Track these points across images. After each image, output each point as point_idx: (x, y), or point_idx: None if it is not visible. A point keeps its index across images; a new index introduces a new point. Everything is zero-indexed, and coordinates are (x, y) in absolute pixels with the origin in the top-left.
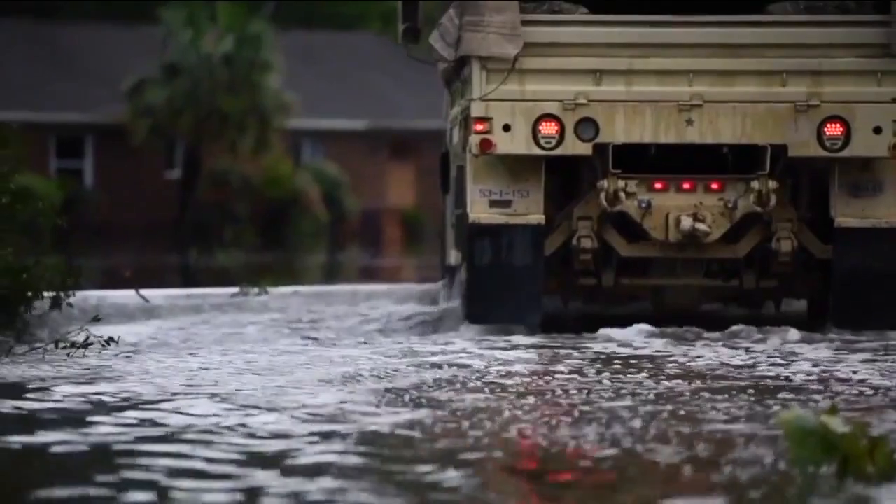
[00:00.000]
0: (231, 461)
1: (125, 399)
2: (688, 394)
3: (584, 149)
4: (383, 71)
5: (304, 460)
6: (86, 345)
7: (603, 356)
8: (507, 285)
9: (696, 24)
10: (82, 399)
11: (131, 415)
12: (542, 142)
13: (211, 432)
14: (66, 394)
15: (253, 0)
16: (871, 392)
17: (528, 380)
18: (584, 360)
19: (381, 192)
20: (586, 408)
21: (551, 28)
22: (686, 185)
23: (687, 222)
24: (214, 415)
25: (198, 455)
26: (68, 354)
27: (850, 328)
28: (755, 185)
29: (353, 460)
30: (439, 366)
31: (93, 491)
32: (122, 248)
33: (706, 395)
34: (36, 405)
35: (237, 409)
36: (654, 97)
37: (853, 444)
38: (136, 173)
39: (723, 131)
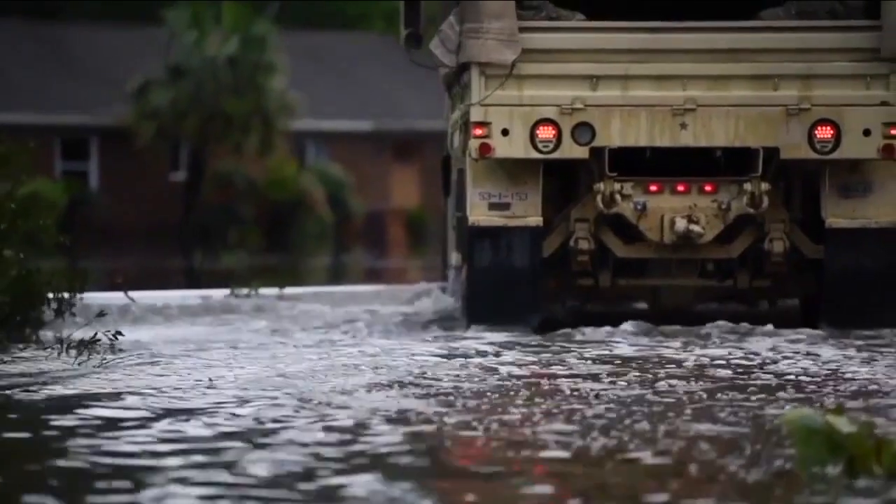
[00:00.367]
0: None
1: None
2: (690, 393)
3: (581, 152)
4: (388, 72)
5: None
6: (93, 342)
7: (599, 355)
8: (506, 286)
9: (689, 30)
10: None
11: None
12: (539, 146)
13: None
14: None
15: (257, 0)
16: (873, 390)
17: (527, 380)
18: (581, 359)
19: (386, 194)
20: (584, 407)
21: (548, 34)
22: (680, 188)
23: (681, 224)
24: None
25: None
26: (79, 354)
27: (841, 326)
28: (748, 187)
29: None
30: (438, 365)
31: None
32: (126, 250)
33: (707, 394)
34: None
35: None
36: (649, 101)
37: (859, 443)
38: (140, 175)
39: (716, 134)
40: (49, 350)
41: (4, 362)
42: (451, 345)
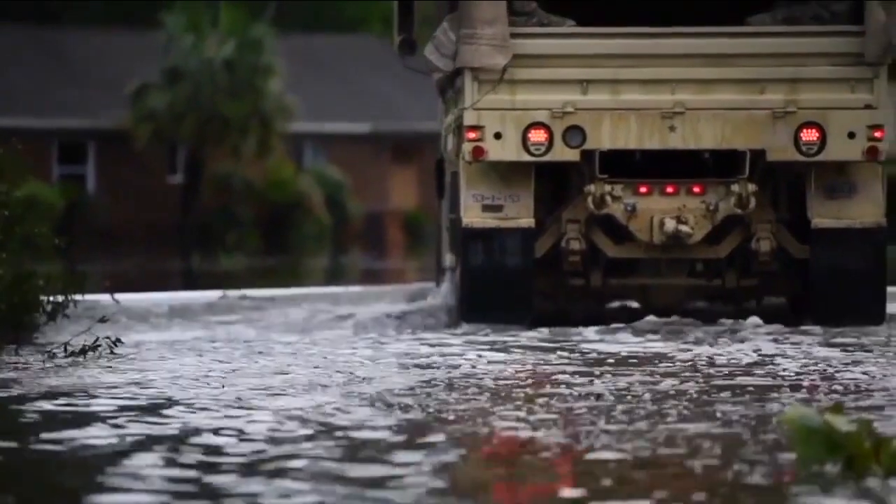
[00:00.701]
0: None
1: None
2: (686, 392)
3: (572, 155)
4: (385, 74)
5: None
6: (94, 347)
7: (591, 353)
8: (499, 286)
9: (678, 36)
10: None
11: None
12: (531, 149)
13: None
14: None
15: (255, 0)
16: (870, 389)
17: (519, 377)
18: (573, 357)
19: (384, 195)
20: (578, 405)
21: (540, 40)
22: (669, 189)
23: (670, 224)
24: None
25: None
26: (83, 356)
27: (827, 323)
28: (735, 188)
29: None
30: (432, 365)
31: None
32: (124, 253)
33: (704, 392)
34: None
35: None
36: (638, 105)
37: (858, 442)
38: (138, 178)
39: (704, 137)
40: (45, 355)
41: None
42: (442, 343)
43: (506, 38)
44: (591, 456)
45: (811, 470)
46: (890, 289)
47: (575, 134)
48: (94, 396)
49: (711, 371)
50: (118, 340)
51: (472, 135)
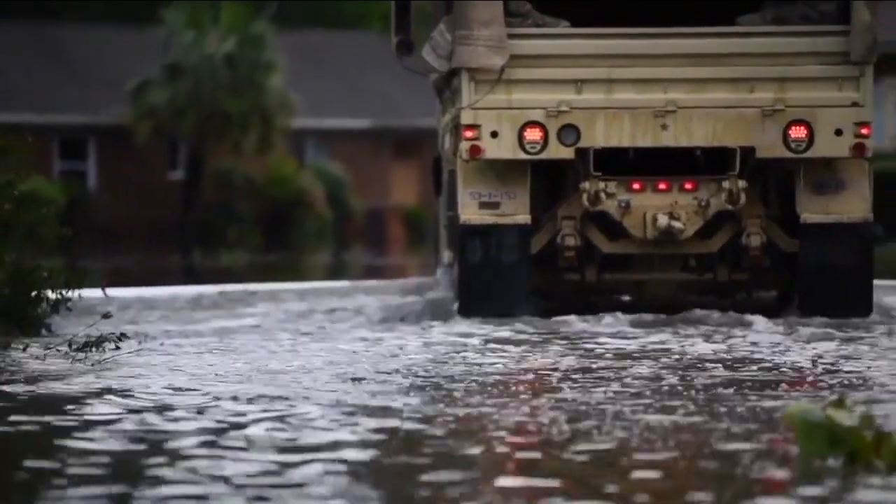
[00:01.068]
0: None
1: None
2: (686, 386)
3: (567, 153)
4: (386, 70)
5: None
6: (99, 342)
7: (588, 347)
8: (496, 281)
9: (669, 36)
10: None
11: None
12: (527, 147)
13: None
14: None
15: (255, 0)
16: (871, 383)
17: (515, 369)
18: (570, 350)
19: (385, 191)
20: (570, 396)
21: (535, 41)
22: (662, 186)
23: (663, 220)
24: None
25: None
26: (90, 351)
27: (815, 315)
28: (726, 184)
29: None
30: (432, 358)
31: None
32: (125, 249)
33: (704, 387)
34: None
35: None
36: (631, 104)
37: (859, 437)
38: (139, 174)
39: (695, 135)
40: (48, 350)
41: (5, 360)
42: (443, 337)
43: (503, 39)
44: (583, 448)
45: (813, 465)
46: (890, 282)
47: (570, 132)
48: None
49: (711, 365)
50: (123, 335)
51: (469, 133)
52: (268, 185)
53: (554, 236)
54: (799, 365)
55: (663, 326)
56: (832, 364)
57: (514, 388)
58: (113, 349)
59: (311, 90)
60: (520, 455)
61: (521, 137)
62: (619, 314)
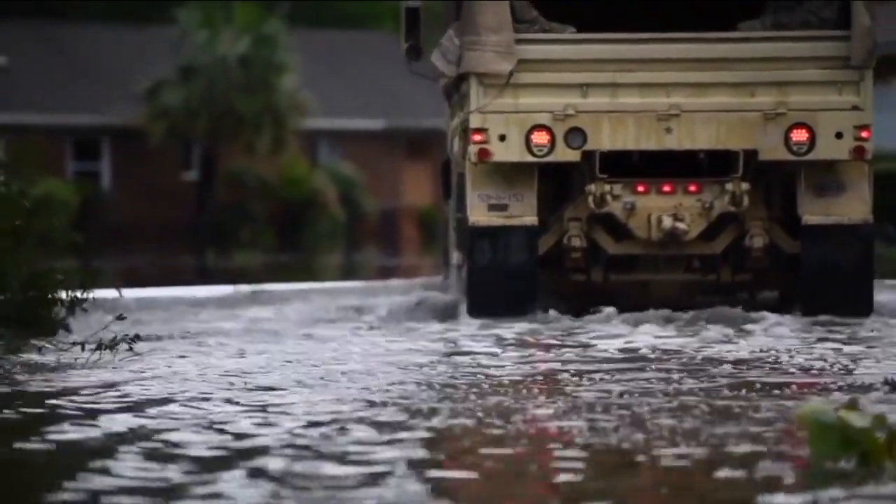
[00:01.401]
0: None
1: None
2: (696, 387)
3: (573, 156)
4: (399, 70)
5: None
6: (113, 345)
7: (595, 348)
8: (504, 282)
9: (673, 41)
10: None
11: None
12: (534, 150)
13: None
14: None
15: (268, 0)
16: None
17: (524, 369)
18: (581, 349)
19: (398, 192)
20: (580, 394)
21: (542, 46)
22: (666, 188)
23: (668, 222)
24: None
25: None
26: (104, 352)
27: (817, 316)
28: (729, 186)
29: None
30: (441, 358)
31: None
32: (139, 249)
33: (715, 387)
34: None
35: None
36: (636, 108)
37: (872, 438)
38: (152, 175)
39: (699, 138)
40: (62, 351)
41: (20, 362)
42: (452, 336)
43: (511, 44)
44: (599, 450)
45: (825, 466)
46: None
47: (576, 136)
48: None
49: (723, 366)
50: (137, 336)
51: (477, 137)
52: (281, 185)
53: (561, 238)
54: (809, 365)
55: (673, 326)
56: (843, 364)
57: (527, 389)
58: (127, 350)
59: (323, 90)
60: (540, 458)
61: (528, 141)
62: (626, 314)
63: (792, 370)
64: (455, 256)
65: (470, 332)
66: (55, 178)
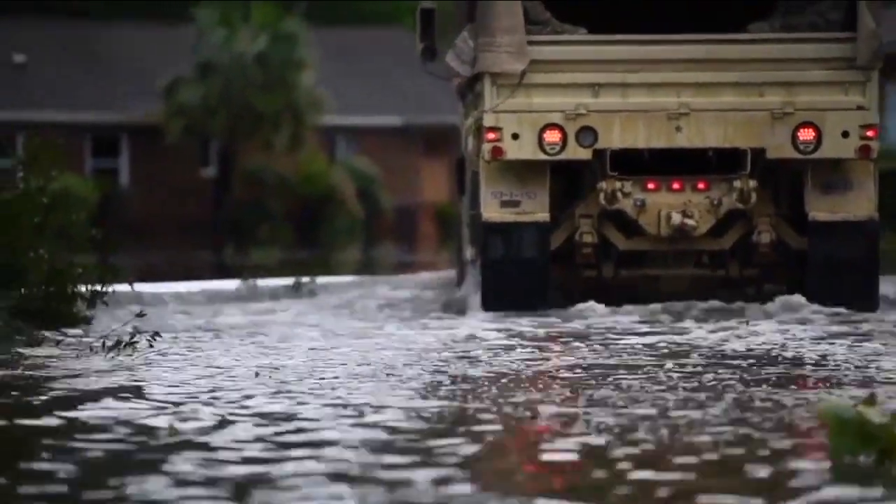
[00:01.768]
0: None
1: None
2: (715, 380)
3: (585, 154)
4: (416, 67)
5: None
6: (131, 342)
7: (606, 339)
8: (517, 277)
9: (683, 42)
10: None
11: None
12: (546, 148)
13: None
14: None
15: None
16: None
17: (535, 360)
18: (596, 344)
19: (416, 188)
20: (603, 391)
21: (554, 47)
22: (676, 185)
23: (677, 218)
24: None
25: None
26: (122, 349)
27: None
28: (737, 184)
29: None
30: (457, 352)
31: None
32: (157, 246)
33: (734, 379)
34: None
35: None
36: (646, 107)
37: (891, 435)
38: (171, 172)
39: (708, 137)
40: (81, 348)
41: (40, 357)
42: (467, 331)
43: (523, 45)
44: (601, 444)
45: (844, 462)
46: None
47: (587, 134)
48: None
49: (739, 360)
50: (157, 334)
51: (491, 136)
52: (298, 182)
53: (572, 234)
54: (826, 360)
55: (686, 320)
56: (860, 360)
57: (545, 383)
58: (147, 346)
59: (341, 88)
60: (560, 454)
61: (540, 139)
62: (639, 307)
63: (808, 364)
64: (468, 252)
65: (483, 326)
66: (74, 175)
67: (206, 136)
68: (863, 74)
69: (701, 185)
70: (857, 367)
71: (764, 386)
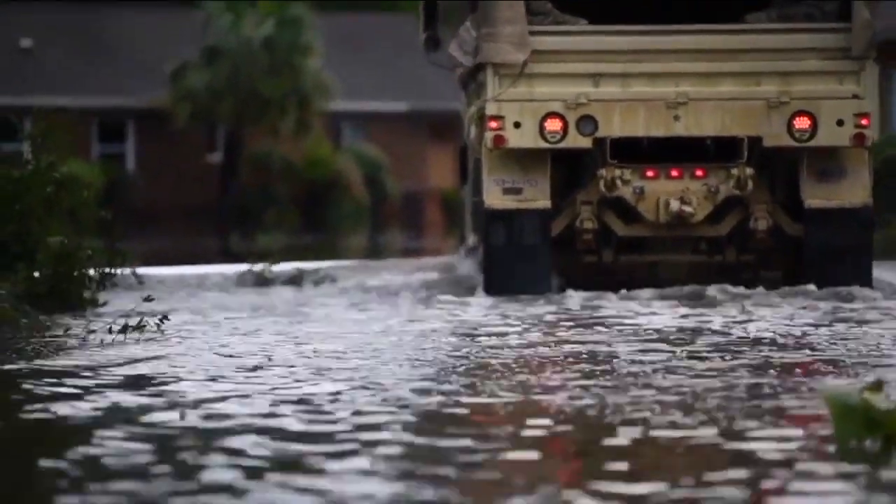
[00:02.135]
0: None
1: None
2: (718, 365)
3: (585, 142)
4: (423, 53)
5: None
6: (139, 326)
7: (609, 324)
8: (519, 262)
9: (681, 33)
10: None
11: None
12: (548, 137)
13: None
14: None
15: None
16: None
17: (536, 341)
18: (589, 324)
19: (422, 174)
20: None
21: (555, 37)
22: (674, 173)
23: (675, 205)
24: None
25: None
26: (130, 332)
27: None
28: (735, 172)
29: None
30: (463, 335)
31: None
32: (163, 231)
33: (736, 366)
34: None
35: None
36: (645, 96)
37: (894, 421)
38: (177, 157)
39: (706, 125)
40: (90, 332)
41: (46, 340)
42: (472, 315)
43: (524, 36)
44: (608, 427)
45: (849, 448)
46: None
47: (587, 123)
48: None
49: (743, 345)
50: (165, 317)
51: (493, 124)
52: (305, 167)
53: (573, 220)
54: (831, 346)
55: (686, 304)
56: (867, 346)
57: (556, 367)
58: (155, 331)
59: (347, 73)
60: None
61: (542, 128)
62: (640, 291)
63: (811, 349)
64: (471, 238)
65: (486, 310)
66: (80, 160)
67: (212, 122)
68: (857, 64)
69: (699, 173)
70: (861, 353)
71: (771, 371)
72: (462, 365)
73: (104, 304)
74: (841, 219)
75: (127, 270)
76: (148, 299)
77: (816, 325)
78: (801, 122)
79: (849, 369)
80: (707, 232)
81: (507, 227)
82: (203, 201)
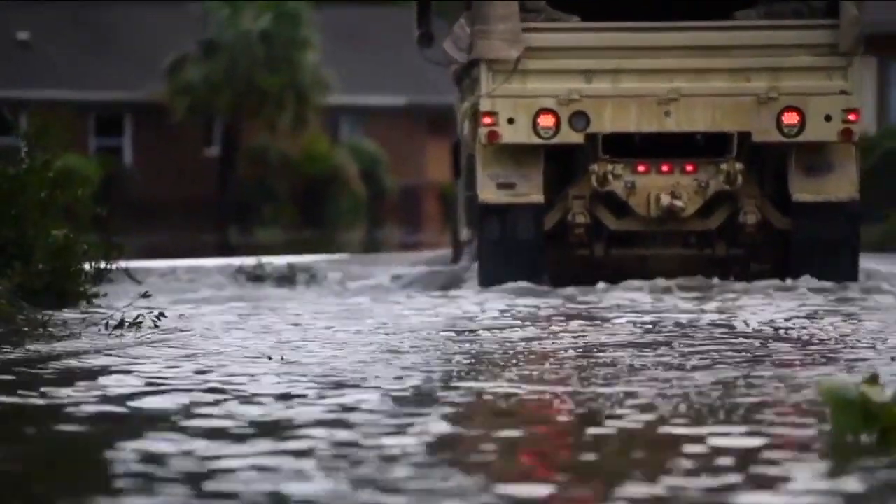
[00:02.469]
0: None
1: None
2: (716, 356)
3: (578, 138)
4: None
5: None
6: (136, 323)
7: (603, 316)
8: (512, 256)
9: (672, 29)
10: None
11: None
12: (541, 132)
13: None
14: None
15: None
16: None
17: (529, 331)
18: (583, 315)
19: (420, 169)
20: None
21: (548, 34)
22: (665, 168)
23: (666, 199)
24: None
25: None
26: (127, 328)
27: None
28: (724, 166)
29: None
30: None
31: None
32: (161, 225)
33: (735, 357)
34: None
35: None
36: (637, 93)
37: (893, 414)
38: (174, 151)
39: (696, 121)
40: (87, 326)
41: (45, 334)
42: (469, 308)
43: (518, 32)
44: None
45: (845, 441)
46: None
47: (580, 119)
48: None
49: (738, 337)
50: (162, 314)
51: (487, 120)
52: (302, 162)
53: (565, 214)
54: (816, 337)
55: (677, 297)
56: (860, 338)
57: (556, 360)
58: (151, 327)
59: (345, 67)
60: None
61: (535, 123)
62: (635, 283)
63: (805, 342)
64: (465, 233)
65: (479, 303)
66: (77, 154)
67: (210, 115)
68: (845, 60)
69: (689, 168)
70: (854, 346)
71: (767, 363)
72: (461, 356)
73: (105, 295)
74: (828, 213)
75: (122, 265)
76: (145, 295)
77: (808, 317)
78: (790, 118)
79: (843, 362)
80: (697, 226)
81: (501, 221)
82: (201, 195)
